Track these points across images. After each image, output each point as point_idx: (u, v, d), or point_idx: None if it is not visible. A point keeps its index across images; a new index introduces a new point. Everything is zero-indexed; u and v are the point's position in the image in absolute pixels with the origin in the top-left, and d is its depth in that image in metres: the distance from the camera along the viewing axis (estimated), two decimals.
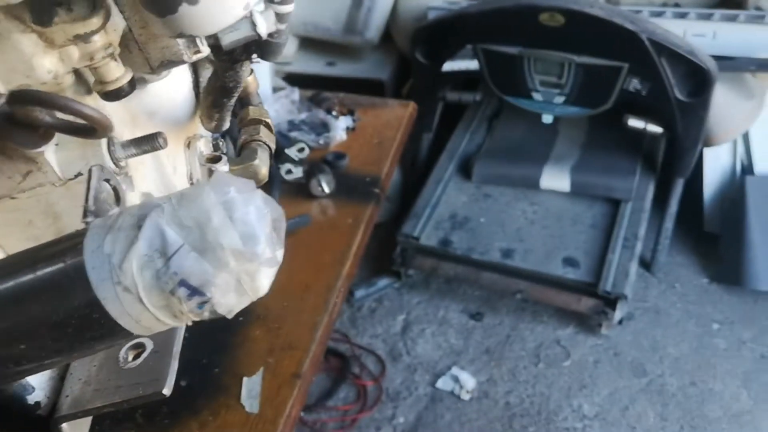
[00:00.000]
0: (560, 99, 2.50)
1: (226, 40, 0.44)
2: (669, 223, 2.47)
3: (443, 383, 2.32)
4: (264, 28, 0.44)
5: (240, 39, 0.44)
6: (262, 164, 0.66)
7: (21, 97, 0.42)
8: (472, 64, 2.64)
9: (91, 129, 0.44)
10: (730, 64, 2.37)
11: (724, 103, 2.34)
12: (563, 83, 2.45)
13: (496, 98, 2.83)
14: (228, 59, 0.47)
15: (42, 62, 0.44)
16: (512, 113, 2.81)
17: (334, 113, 1.75)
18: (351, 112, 1.77)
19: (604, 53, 2.36)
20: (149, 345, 0.52)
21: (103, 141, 0.49)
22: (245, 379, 1.19)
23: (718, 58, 2.32)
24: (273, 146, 0.70)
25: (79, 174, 0.50)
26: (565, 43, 2.36)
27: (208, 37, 0.44)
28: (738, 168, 2.45)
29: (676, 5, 2.84)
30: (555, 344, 2.40)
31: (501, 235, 2.53)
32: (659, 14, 2.66)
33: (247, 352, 1.24)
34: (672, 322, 2.41)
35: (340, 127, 1.70)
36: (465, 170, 2.76)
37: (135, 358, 0.52)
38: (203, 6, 0.40)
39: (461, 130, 2.88)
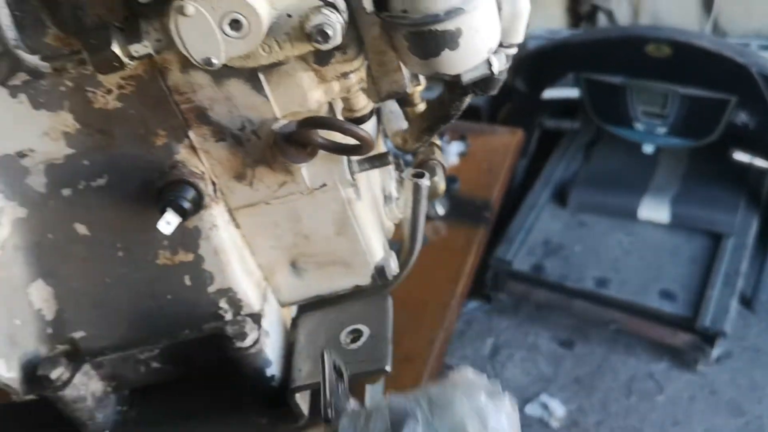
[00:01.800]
0: (663, 129, 2.55)
1: (467, 77, 0.55)
2: None
3: (532, 409, 2.37)
4: (497, 67, 0.55)
5: (477, 76, 0.55)
6: (440, 181, 0.77)
7: (312, 122, 0.55)
8: (572, 92, 2.72)
9: (357, 147, 0.56)
10: None
11: None
12: (666, 114, 2.51)
13: (594, 126, 2.90)
14: (460, 92, 0.58)
15: (313, 94, 0.57)
16: (610, 141, 2.87)
17: (446, 138, 1.87)
18: (462, 138, 1.88)
19: (711, 85, 2.40)
20: (366, 330, 0.63)
21: (344, 158, 0.61)
22: (368, 386, 1.30)
23: None
24: (446, 166, 0.81)
25: (324, 185, 0.62)
26: (670, 73, 2.42)
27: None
28: None
29: None
30: (648, 378, 2.42)
31: (595, 264, 2.58)
32: (765, 47, 2.69)
33: None
34: None
35: (453, 152, 1.81)
36: (560, 197, 2.83)
37: (353, 341, 0.64)
38: (461, 50, 0.51)
39: (557, 157, 2.95)
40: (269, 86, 0.56)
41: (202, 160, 0.60)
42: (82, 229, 0.62)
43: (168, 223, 0.56)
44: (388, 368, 0.59)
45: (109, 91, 0.56)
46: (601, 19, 3.05)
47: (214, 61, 0.48)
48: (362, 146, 0.55)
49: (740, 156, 2.57)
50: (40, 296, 0.64)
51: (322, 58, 0.54)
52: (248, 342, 0.62)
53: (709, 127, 2.53)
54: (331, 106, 0.60)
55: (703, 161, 2.75)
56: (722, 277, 2.41)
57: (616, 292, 2.47)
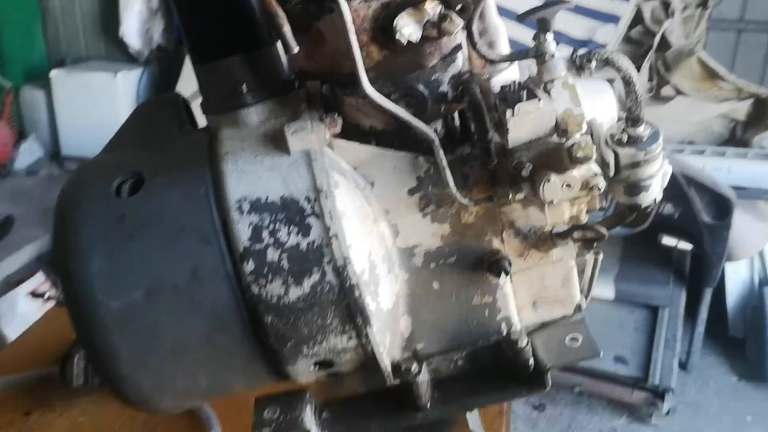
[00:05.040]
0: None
1: (644, 205, 1.32)
2: (701, 328, 3.45)
3: None
4: (659, 200, 1.33)
5: (650, 204, 1.32)
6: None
7: (580, 226, 1.29)
8: None
9: (597, 239, 1.29)
10: (745, 193, 3.41)
11: (743, 225, 3.36)
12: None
13: None
14: (635, 211, 1.34)
15: (566, 214, 1.31)
16: None
17: None
18: None
19: None
20: (580, 336, 1.37)
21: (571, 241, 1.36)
22: (468, 414, 2.00)
23: (733, 189, 3.35)
24: None
25: (561, 258, 1.36)
26: None
27: None
28: (756, 280, 3.46)
29: (692, 143, 3.93)
30: None
31: None
32: (680, 151, 3.72)
33: None
34: (711, 415, 3.33)
35: None
36: None
37: (573, 343, 1.37)
38: (651, 192, 1.29)
39: None
40: (548, 210, 1.31)
41: (505, 246, 1.33)
42: (436, 285, 1.32)
43: (504, 277, 1.28)
44: (601, 354, 1.33)
45: (471, 213, 1.29)
46: None
47: (552, 200, 1.22)
48: (600, 239, 1.30)
49: (667, 240, 3.53)
50: (404, 324, 1.33)
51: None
52: (524, 343, 1.33)
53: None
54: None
55: (638, 246, 3.70)
56: (663, 342, 3.31)
57: None
